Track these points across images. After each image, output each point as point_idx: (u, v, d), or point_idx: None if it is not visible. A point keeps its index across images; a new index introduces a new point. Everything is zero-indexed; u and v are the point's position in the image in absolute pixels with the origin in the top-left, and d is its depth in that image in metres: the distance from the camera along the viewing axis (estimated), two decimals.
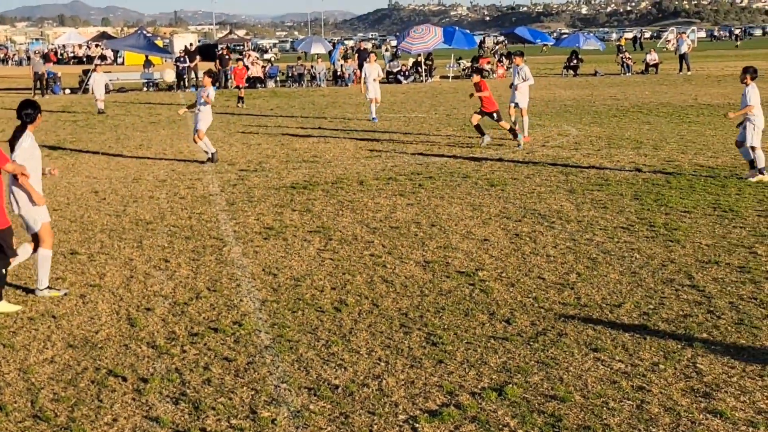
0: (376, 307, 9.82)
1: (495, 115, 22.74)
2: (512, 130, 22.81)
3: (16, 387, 7.80)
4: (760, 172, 16.50)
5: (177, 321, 9.51)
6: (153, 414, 7.15)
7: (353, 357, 8.32)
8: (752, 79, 16.55)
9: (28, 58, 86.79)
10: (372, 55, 33.82)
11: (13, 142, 10.26)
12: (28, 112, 10.27)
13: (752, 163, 16.63)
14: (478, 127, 23.07)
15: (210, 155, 20.96)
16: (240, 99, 38.57)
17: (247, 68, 50.55)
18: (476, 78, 23.44)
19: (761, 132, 16.47)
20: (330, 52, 67.94)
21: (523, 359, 8.15)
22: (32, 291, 10.59)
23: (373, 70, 30.23)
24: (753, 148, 16.43)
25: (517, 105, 23.64)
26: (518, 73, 23.78)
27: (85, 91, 40.73)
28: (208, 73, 22.13)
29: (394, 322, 9.32)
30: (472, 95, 23.37)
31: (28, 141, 10.27)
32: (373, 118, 29.93)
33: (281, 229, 13.70)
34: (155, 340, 8.93)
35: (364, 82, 30.64)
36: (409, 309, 9.73)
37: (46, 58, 63.47)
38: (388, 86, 48.31)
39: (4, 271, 9.99)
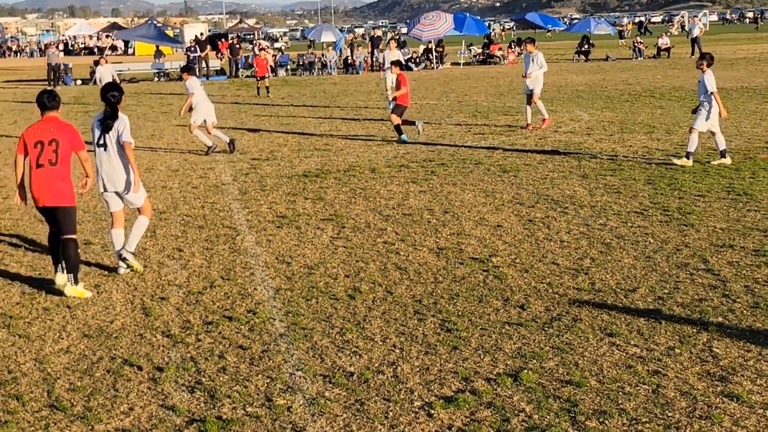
0: (390, 294, 9.82)
1: (395, 107, 22.08)
2: (398, 128, 21.84)
3: (33, 377, 7.83)
4: (687, 156, 16.75)
5: (191, 310, 9.52)
6: (169, 402, 7.17)
7: (368, 344, 8.33)
8: (708, 66, 16.70)
9: (40, 49, 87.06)
10: (392, 42, 33.72)
11: (109, 124, 10.54)
12: (114, 94, 10.56)
13: (723, 153, 16.93)
14: (399, 126, 21.94)
15: (208, 146, 20.84)
16: (266, 89, 38.05)
17: (275, 56, 50.63)
18: (395, 70, 22.62)
19: (713, 116, 16.58)
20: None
21: (538, 345, 8.14)
22: (48, 281, 10.62)
23: (393, 57, 30.06)
24: (692, 130, 16.62)
25: (531, 92, 23.30)
26: (532, 61, 23.38)
27: (95, 82, 40.74)
28: (187, 69, 21.90)
29: (408, 309, 9.32)
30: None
31: (127, 120, 10.72)
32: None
33: (294, 218, 13.70)
34: (170, 329, 8.95)
35: (383, 70, 30.53)
36: (423, 296, 9.73)
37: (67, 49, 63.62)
38: None
39: (77, 254, 10.17)
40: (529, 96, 23.36)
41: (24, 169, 10.24)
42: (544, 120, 23.27)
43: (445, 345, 8.23)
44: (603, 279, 10.09)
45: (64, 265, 10.15)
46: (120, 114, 10.63)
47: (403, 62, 31.20)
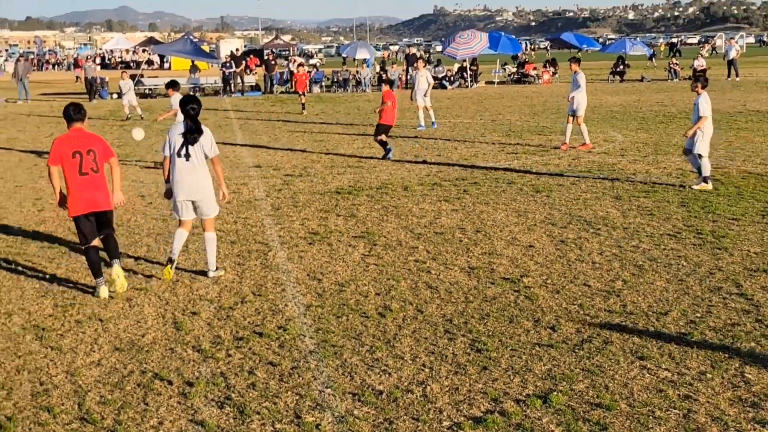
0: (420, 313, 9.81)
1: (377, 126, 22.43)
2: (382, 143, 22.27)
3: (64, 389, 7.88)
4: (705, 180, 16.61)
5: (222, 325, 9.56)
6: (198, 418, 7.19)
7: (397, 363, 8.32)
8: (703, 87, 16.78)
9: (77, 63, 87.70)
10: (419, 61, 33.75)
11: (195, 137, 11.04)
12: (193, 107, 11.04)
13: (700, 171, 16.76)
14: (382, 143, 22.37)
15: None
16: (301, 105, 38.06)
17: (309, 72, 50.78)
18: (384, 88, 23.21)
19: (709, 140, 16.65)
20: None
21: (569, 367, 8.11)
22: (82, 292, 10.70)
23: (421, 78, 30.13)
24: (700, 156, 16.54)
25: (574, 113, 23.16)
26: (576, 80, 23.21)
27: (120, 96, 40.97)
28: (172, 84, 22.00)
29: (439, 328, 9.31)
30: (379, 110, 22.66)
31: (210, 133, 11.38)
32: (424, 126, 29.70)
33: (326, 234, 13.73)
34: (201, 344, 8.98)
35: (412, 89, 30.69)
36: (454, 315, 9.71)
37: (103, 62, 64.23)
38: (433, 91, 48.27)
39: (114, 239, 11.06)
40: (573, 116, 23.20)
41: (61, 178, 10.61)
42: (584, 144, 23.13)
43: (474, 365, 8.21)
44: (635, 301, 10.03)
45: (108, 256, 10.91)
46: (203, 127, 11.15)
47: (432, 82, 31.16)
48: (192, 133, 11.03)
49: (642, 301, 10.05)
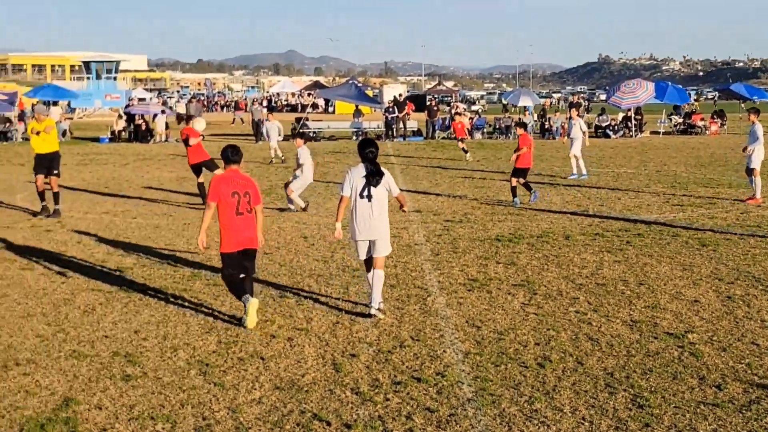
0: (580, 365, 9.65)
1: (513, 169, 22.86)
2: (517, 188, 22.73)
3: (225, 425, 8.04)
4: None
5: (381, 368, 9.60)
6: None
7: (556, 415, 8.20)
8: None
9: (242, 105, 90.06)
10: (572, 109, 33.42)
11: (378, 180, 11.56)
12: (372, 150, 11.66)
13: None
14: (515, 189, 22.73)
15: (303, 207, 21.54)
16: (463, 150, 37.60)
17: (471, 119, 51.01)
18: (519, 131, 23.67)
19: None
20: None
21: (735, 428, 7.84)
22: (242, 328, 10.94)
23: (575, 126, 29.86)
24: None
25: (749, 167, 22.59)
26: (755, 132, 22.50)
27: (265, 137, 41.62)
28: (300, 135, 22.30)
29: (599, 381, 9.13)
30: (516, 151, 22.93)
31: (389, 174, 11.88)
32: (580, 175, 29.29)
33: (485, 282, 13.68)
34: (359, 386, 9.04)
35: (568, 136, 30.52)
36: (615, 369, 9.52)
37: (270, 106, 65.91)
38: (597, 140, 47.78)
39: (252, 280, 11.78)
40: (750, 169, 22.59)
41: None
42: (753, 197, 22.44)
43: (636, 421, 8.02)
44: None
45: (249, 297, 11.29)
46: (383, 169, 11.64)
47: (585, 129, 30.94)
48: (374, 176, 11.53)
49: None
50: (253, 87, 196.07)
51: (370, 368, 9.62)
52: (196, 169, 22.78)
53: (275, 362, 9.87)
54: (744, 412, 8.22)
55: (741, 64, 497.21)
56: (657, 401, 8.51)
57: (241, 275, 11.36)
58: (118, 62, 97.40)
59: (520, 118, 46.72)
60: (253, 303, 11.16)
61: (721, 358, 9.85)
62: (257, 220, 11.46)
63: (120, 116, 56.59)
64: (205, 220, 11.39)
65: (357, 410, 8.36)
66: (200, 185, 22.58)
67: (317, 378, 9.33)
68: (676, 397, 8.65)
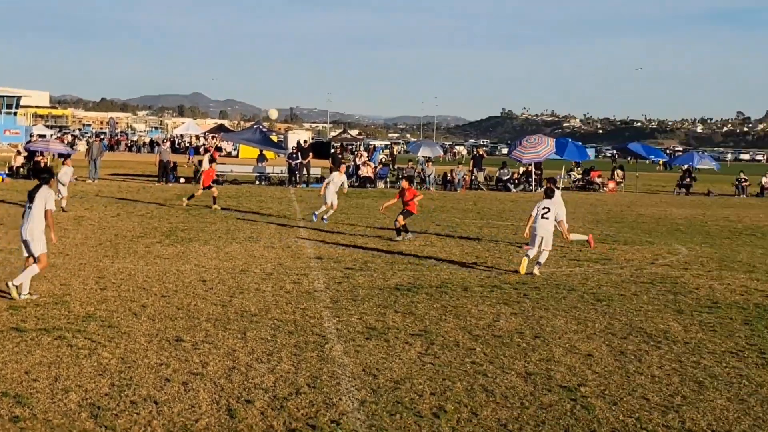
0: (475, 416, 9.71)
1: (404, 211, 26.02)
2: (398, 230, 25.77)
3: None
4: None
5: (276, 415, 9.53)
6: None
7: None
8: None
9: (150, 146, 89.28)
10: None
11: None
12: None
13: None
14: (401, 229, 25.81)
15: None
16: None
17: (376, 167, 51.10)
18: (404, 184, 26.94)
19: None
20: (372, 152, 68.88)
21: None
22: (139, 370, 10.76)
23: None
24: None
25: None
26: None
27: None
28: (333, 160, 23.08)
29: None
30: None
31: None
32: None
33: (383, 330, 13.71)
34: None
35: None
36: (509, 420, 9.60)
37: (173, 146, 65.37)
38: (497, 193, 48.40)
39: None
40: None
41: None
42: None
43: None
44: (694, 418, 9.85)
45: None
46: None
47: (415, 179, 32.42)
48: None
49: (701, 418, 9.86)
50: (156, 128, 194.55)
51: (265, 415, 9.54)
52: None
53: (169, 407, 9.72)
54: None
55: (639, 123, 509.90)
56: None
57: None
58: (19, 97, 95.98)
59: (409, 177, 48.88)
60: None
61: (612, 412, 10.01)
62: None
63: (19, 152, 55.54)
64: None
65: None
66: None
67: (211, 424, 9.22)
68: None
